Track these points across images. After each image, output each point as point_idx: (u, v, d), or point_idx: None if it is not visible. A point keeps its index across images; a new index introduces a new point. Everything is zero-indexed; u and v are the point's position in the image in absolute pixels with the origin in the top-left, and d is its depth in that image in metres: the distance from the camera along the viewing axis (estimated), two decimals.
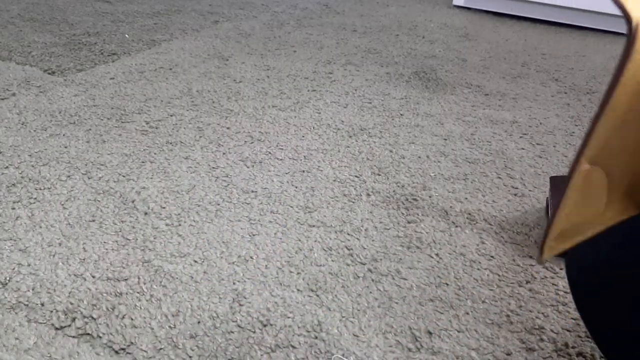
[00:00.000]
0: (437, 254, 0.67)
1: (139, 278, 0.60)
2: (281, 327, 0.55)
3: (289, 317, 0.56)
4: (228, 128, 0.95)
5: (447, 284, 0.62)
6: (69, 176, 0.78)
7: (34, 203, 0.72)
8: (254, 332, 0.55)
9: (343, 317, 0.57)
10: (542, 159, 0.93)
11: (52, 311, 0.55)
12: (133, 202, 0.73)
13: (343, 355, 0.53)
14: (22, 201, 0.72)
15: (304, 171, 0.83)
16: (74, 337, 0.53)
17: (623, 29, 1.65)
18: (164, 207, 0.72)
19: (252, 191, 0.77)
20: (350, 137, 0.95)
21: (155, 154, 0.85)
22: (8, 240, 0.65)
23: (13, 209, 0.70)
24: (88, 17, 1.56)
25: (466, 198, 0.79)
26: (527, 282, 0.64)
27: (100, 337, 0.53)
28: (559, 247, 0.39)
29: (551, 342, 0.56)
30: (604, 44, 1.59)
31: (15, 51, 1.24)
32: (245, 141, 0.91)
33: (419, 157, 0.90)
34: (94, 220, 0.69)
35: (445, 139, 0.97)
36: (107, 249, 0.64)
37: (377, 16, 1.85)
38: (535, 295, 0.62)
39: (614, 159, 0.37)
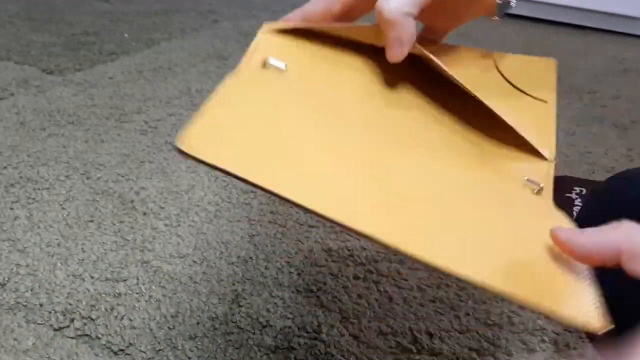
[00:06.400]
0: None
1: (137, 279, 0.60)
2: (281, 328, 0.55)
3: (288, 318, 0.56)
4: None
5: (447, 285, 0.62)
6: (67, 176, 0.77)
7: (33, 203, 0.71)
8: (254, 333, 0.54)
9: (343, 318, 0.57)
10: None
11: (50, 312, 0.55)
12: (132, 202, 0.73)
13: (343, 356, 0.53)
14: (21, 201, 0.72)
15: None
16: (72, 338, 0.53)
17: (625, 29, 1.65)
18: (163, 208, 0.72)
19: (252, 191, 0.77)
20: None
21: (154, 154, 0.85)
22: (6, 241, 0.64)
23: (11, 209, 0.70)
24: (87, 16, 1.55)
25: None
26: None
27: (99, 338, 0.53)
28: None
29: (552, 343, 0.55)
30: (605, 43, 1.59)
31: (14, 51, 1.24)
32: None
33: None
34: (92, 221, 0.69)
35: None
36: (105, 250, 0.64)
37: None
38: None
39: None
